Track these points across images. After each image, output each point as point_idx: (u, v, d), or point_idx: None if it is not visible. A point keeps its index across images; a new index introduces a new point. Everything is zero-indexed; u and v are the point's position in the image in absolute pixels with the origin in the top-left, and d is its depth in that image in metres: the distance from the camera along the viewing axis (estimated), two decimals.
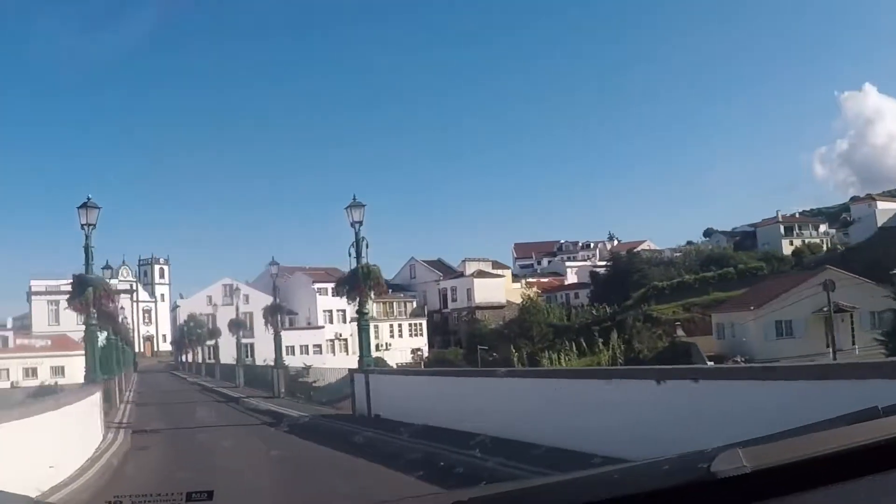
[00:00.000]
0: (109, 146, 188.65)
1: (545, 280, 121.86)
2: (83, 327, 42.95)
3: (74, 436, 14.49)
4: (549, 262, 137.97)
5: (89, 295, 20.35)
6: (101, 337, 25.99)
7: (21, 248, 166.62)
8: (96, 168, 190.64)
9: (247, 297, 71.01)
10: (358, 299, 22.68)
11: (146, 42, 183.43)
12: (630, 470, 2.08)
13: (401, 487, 10.25)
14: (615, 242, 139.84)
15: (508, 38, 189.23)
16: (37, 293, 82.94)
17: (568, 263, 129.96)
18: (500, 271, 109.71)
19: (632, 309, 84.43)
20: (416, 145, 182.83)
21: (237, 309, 45.22)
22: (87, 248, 20.85)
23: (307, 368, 33.73)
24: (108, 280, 29.87)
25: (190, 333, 67.22)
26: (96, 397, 19.29)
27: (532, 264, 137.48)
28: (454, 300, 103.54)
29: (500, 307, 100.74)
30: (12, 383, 63.75)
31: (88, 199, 21.14)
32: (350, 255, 22.98)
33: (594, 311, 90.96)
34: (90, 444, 16.48)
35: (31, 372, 66.17)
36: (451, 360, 77.46)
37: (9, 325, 76.77)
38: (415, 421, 16.77)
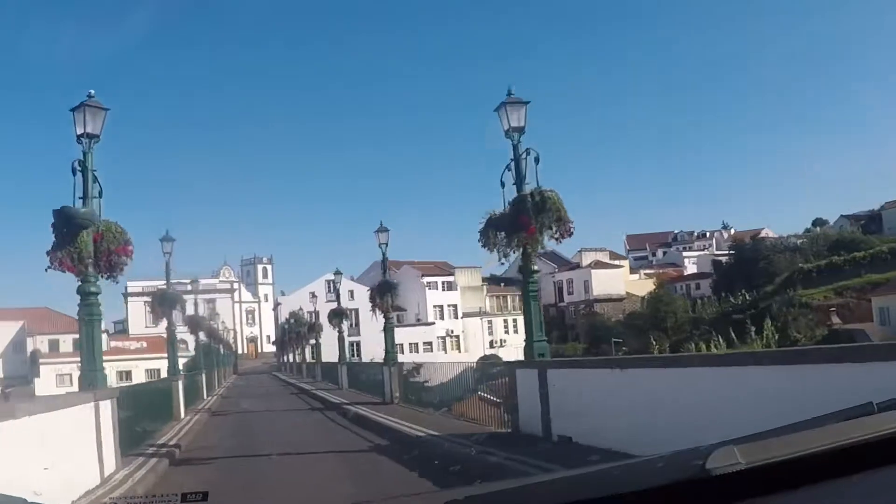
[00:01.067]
0: (212, 145, 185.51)
1: (662, 271, 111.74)
2: (180, 328, 35.68)
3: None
4: (665, 252, 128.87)
5: (85, 242, 11.88)
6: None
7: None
8: (195, 170, 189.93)
9: (352, 293, 64.15)
10: (522, 249, 13.58)
11: (235, 36, 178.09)
12: (625, 467, 2.00)
13: None
14: (731, 231, 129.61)
15: (620, 27, 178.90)
16: (133, 294, 78.76)
17: (685, 253, 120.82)
18: (617, 262, 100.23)
19: (776, 295, 73.54)
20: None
21: (338, 296, 37.05)
22: (84, 171, 12.42)
23: (418, 367, 25.75)
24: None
25: (291, 332, 60.41)
26: (91, 411, 10.99)
27: (646, 255, 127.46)
28: (570, 293, 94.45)
29: (619, 299, 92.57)
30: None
31: (90, 95, 12.80)
32: (503, 186, 14.09)
33: (731, 299, 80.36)
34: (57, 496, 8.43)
35: (126, 375, 60.31)
36: (570, 356, 69.18)
37: (101, 328, 71.24)
38: (647, 451, 7.79)
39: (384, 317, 24.51)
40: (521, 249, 13.57)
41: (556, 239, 13.22)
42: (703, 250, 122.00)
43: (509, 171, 14.11)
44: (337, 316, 35.31)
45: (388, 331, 24.48)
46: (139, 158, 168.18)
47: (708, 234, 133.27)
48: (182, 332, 40.78)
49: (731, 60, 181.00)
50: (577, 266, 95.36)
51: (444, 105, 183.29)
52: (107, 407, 11.82)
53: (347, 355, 40.42)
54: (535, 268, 13.90)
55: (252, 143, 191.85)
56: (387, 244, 24.52)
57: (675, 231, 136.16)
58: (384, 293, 24.07)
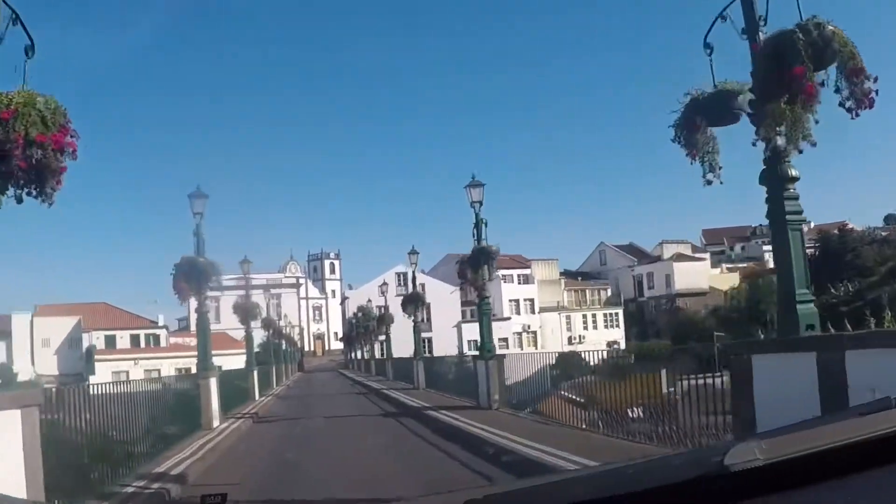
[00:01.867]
0: (281, 142, 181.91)
1: (743, 265, 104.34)
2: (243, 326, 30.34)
3: None
4: (743, 247, 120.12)
5: None
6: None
7: (173, 246, 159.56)
8: (253, 164, 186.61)
9: (423, 286, 58.41)
10: (774, 136, 7.19)
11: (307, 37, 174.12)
12: (644, 465, 2.01)
13: None
14: (811, 224, 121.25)
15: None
16: None
17: (766, 248, 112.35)
18: (699, 255, 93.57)
19: (884, 285, 66.03)
20: (600, 130, 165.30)
21: (414, 280, 31.56)
22: None
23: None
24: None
25: (359, 326, 54.85)
26: None
27: (724, 250, 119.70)
28: (650, 287, 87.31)
29: (702, 294, 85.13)
30: (162, 384, 54.02)
31: None
32: (708, 51, 8.18)
33: (832, 290, 73.25)
34: None
35: (185, 372, 55.80)
36: (656, 355, 62.58)
37: (161, 323, 67.39)
38: None
39: (478, 296, 18.29)
40: (770, 142, 7.25)
41: (851, 110, 6.73)
42: None
43: (723, 19, 7.97)
44: (412, 302, 29.52)
45: (485, 314, 18.26)
46: (208, 157, 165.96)
47: None
48: (240, 329, 35.80)
49: None
50: (658, 259, 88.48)
51: (520, 98, 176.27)
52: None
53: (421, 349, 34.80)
54: (794, 172, 7.44)
55: (322, 143, 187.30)
56: (481, 203, 18.35)
57: (754, 225, 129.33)
58: (479, 264, 17.79)
